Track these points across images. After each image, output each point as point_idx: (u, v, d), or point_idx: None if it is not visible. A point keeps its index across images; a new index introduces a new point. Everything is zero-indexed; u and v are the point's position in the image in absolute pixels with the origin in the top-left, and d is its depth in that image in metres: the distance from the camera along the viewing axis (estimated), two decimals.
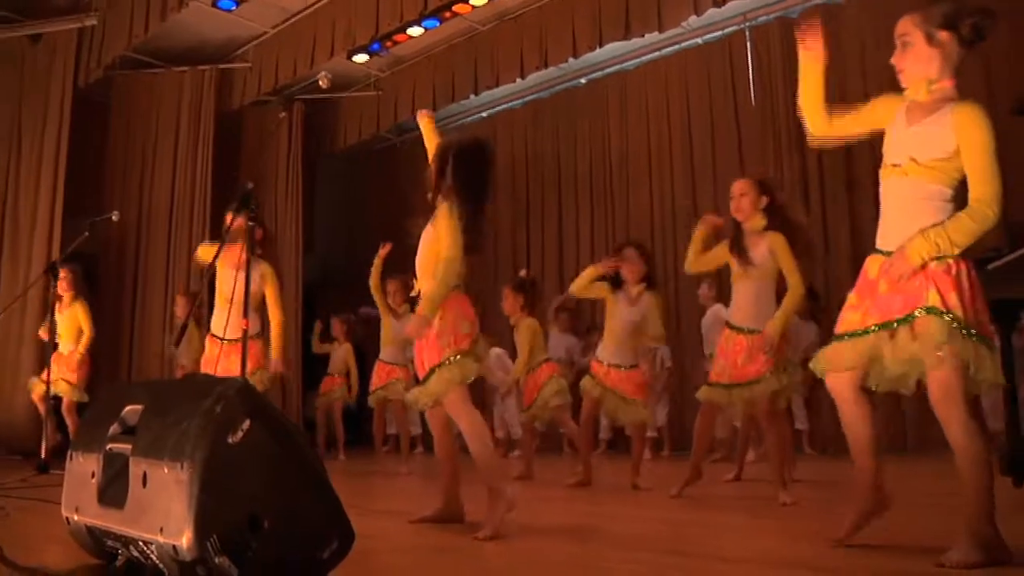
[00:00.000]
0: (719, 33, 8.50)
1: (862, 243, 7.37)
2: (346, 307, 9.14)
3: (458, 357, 2.90)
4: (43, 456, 5.10)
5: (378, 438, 6.57)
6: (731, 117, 8.33)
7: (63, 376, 6.15)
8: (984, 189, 2.16)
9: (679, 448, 7.59)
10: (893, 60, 2.37)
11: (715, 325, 6.53)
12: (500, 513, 2.67)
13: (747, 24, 8.29)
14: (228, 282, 4.32)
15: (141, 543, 1.71)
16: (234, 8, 8.07)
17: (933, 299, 2.12)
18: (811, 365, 2.43)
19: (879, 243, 2.34)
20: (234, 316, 3.96)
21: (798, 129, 7.90)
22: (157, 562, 1.69)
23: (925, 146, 2.26)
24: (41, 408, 6.05)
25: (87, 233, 5.34)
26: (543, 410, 5.26)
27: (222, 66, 9.04)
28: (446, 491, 3.16)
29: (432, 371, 2.94)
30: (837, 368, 2.32)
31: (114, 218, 5.44)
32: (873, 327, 2.23)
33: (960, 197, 2.24)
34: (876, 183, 7.59)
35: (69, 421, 6.22)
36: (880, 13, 7.38)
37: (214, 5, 7.94)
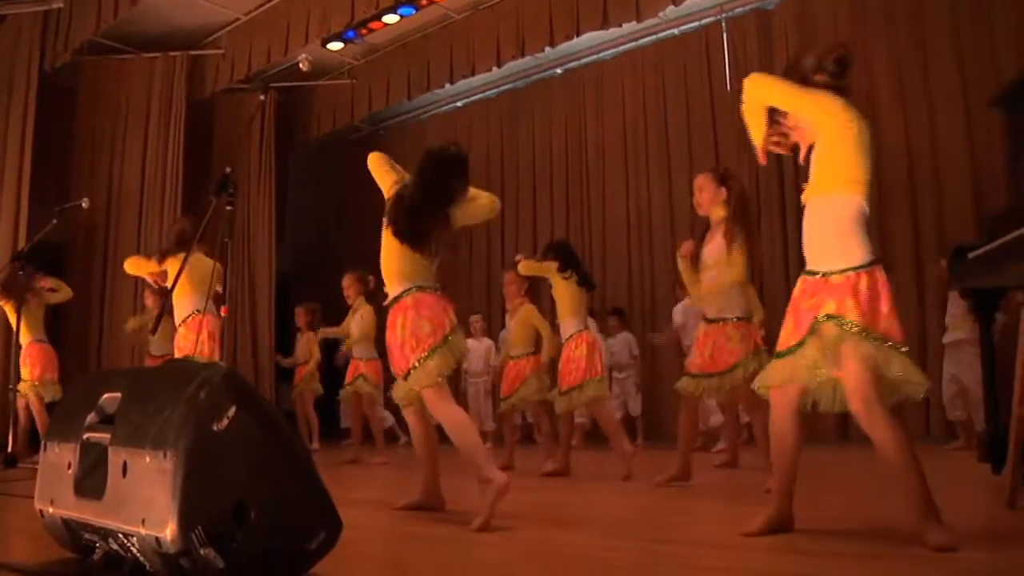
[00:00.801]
0: (696, 24, 8.49)
1: None
2: (319, 296, 9.05)
3: (423, 359, 2.90)
4: (10, 450, 4.99)
5: (356, 431, 6.52)
6: (707, 107, 8.34)
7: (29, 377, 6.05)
8: None
9: (653, 437, 7.62)
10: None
11: (689, 319, 6.56)
12: (492, 502, 2.64)
13: (724, 16, 8.29)
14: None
15: (121, 535, 1.65)
16: None
17: (829, 308, 2.29)
18: (754, 384, 2.60)
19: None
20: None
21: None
22: (138, 555, 1.63)
23: None
24: (22, 412, 5.95)
25: (55, 221, 5.22)
26: (522, 402, 5.24)
27: (194, 52, 8.87)
28: (425, 480, 3.15)
29: (406, 376, 2.98)
30: (774, 383, 2.46)
31: (84, 205, 5.32)
32: (794, 344, 2.38)
33: None
34: None
35: (39, 420, 6.02)
36: (854, 3, 7.46)
37: None
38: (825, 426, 6.81)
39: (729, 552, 2.21)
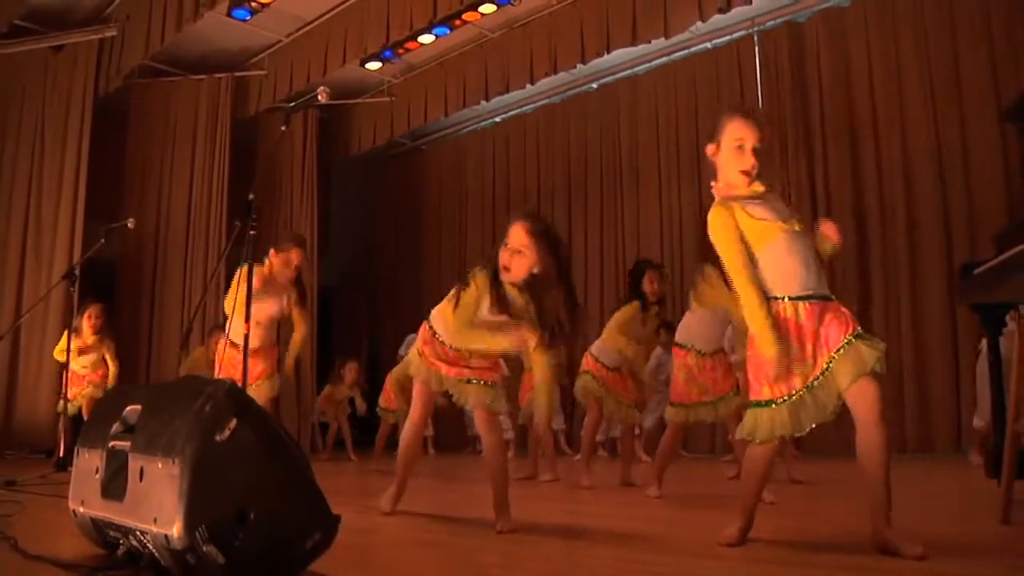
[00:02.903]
0: (727, 38, 8.58)
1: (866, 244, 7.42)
2: (361, 307, 9.29)
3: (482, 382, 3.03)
4: (61, 454, 5.29)
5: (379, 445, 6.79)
6: None
7: (84, 392, 6.43)
8: None
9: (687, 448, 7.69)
10: (752, 165, 2.44)
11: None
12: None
13: (755, 29, 8.35)
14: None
15: (138, 532, 1.84)
16: (249, 18, 8.25)
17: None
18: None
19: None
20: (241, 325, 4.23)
21: (805, 133, 7.98)
22: (153, 550, 1.81)
23: None
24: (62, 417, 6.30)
25: (103, 240, 5.51)
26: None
27: (238, 74, 9.24)
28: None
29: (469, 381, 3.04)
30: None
31: (129, 225, 5.60)
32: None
33: None
34: (880, 186, 7.60)
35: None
36: (886, 15, 7.46)
37: (229, 15, 8.13)
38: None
39: (724, 563, 2.31)
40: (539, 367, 2.80)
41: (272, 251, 4.46)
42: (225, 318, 4.05)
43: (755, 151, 2.43)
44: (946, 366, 6.68)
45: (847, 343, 2.28)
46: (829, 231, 2.48)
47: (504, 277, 2.85)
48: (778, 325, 2.32)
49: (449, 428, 9.07)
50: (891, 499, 2.25)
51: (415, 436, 3.29)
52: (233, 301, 4.12)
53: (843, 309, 2.38)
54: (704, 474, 5.78)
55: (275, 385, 4.76)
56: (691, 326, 4.03)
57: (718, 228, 2.42)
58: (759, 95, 8.27)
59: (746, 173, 2.43)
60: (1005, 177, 6.58)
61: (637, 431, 7.43)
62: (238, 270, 4.07)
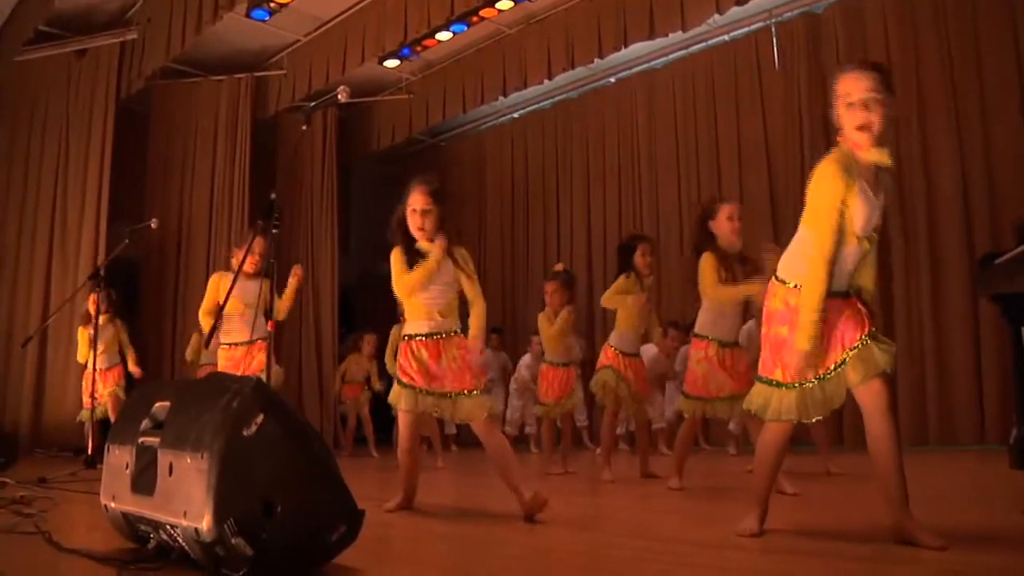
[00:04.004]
0: (745, 30, 8.53)
1: (886, 239, 7.37)
2: (381, 304, 9.27)
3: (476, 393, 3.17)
4: (90, 452, 5.39)
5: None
6: (757, 113, 8.35)
7: (111, 390, 6.57)
8: None
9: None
10: (865, 118, 2.29)
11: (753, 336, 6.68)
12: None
13: (772, 20, 8.30)
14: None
15: (168, 527, 1.88)
16: (267, 18, 8.31)
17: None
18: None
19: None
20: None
21: (823, 124, 7.92)
22: (183, 544, 1.86)
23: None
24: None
25: (127, 240, 5.59)
26: (562, 408, 5.42)
27: (257, 74, 9.32)
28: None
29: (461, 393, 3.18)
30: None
31: (152, 225, 5.66)
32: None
33: None
34: (900, 181, 7.51)
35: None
36: (904, 5, 7.39)
37: (248, 16, 8.19)
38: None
39: (739, 553, 2.32)
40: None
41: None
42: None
43: (865, 104, 2.28)
44: (968, 359, 6.62)
45: (862, 343, 2.30)
46: None
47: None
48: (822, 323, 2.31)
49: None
50: (906, 488, 2.25)
51: (413, 463, 3.34)
52: (209, 313, 4.55)
53: (860, 307, 2.40)
54: (725, 467, 5.78)
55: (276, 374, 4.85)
56: (707, 318, 4.02)
57: (829, 186, 2.30)
58: (777, 88, 8.23)
59: (862, 128, 2.29)
60: None
61: (663, 424, 7.47)
62: (214, 276, 4.66)
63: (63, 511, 3.24)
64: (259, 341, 4.61)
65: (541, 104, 10.53)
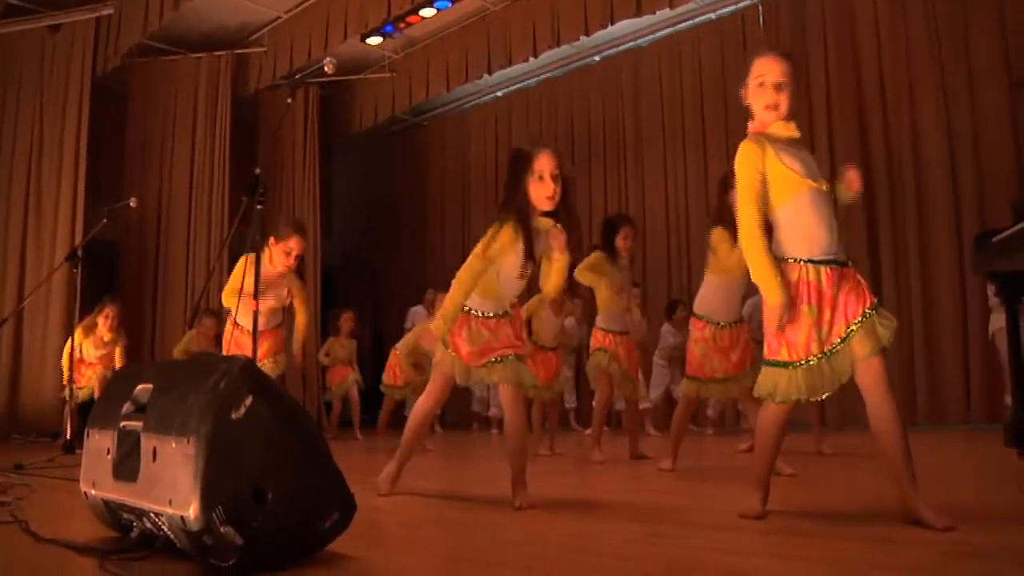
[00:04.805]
0: (732, 8, 8.46)
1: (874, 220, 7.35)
2: (364, 287, 9.22)
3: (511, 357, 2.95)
4: (68, 437, 5.27)
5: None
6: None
7: (101, 373, 6.55)
8: None
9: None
10: (775, 98, 2.40)
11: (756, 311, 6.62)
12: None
13: None
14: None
15: (152, 514, 1.79)
16: None
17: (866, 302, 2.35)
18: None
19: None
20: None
21: (809, 104, 7.85)
22: (168, 532, 1.77)
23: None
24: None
25: (105, 220, 5.46)
26: (551, 391, 5.38)
27: (238, 51, 9.13)
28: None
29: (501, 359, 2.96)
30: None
31: (132, 204, 5.55)
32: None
33: None
34: (889, 160, 7.56)
35: None
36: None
37: None
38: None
39: (735, 534, 2.27)
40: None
41: (272, 239, 4.27)
42: (220, 306, 3.98)
43: (777, 87, 2.40)
44: (956, 338, 6.63)
45: (866, 316, 2.26)
46: (853, 179, 2.44)
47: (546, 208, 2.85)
48: (786, 279, 2.31)
49: (454, 406, 9.05)
50: (913, 467, 2.21)
51: (425, 420, 3.22)
52: (234, 292, 4.07)
53: (860, 278, 2.35)
54: (713, 447, 5.76)
55: (281, 361, 4.77)
56: (707, 297, 3.96)
57: (743, 162, 2.38)
58: None
59: (769, 108, 2.40)
60: (1016, 149, 6.49)
61: (649, 404, 7.44)
62: (242, 258, 3.99)
63: (41, 499, 3.14)
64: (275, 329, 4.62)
65: (526, 83, 10.41)
